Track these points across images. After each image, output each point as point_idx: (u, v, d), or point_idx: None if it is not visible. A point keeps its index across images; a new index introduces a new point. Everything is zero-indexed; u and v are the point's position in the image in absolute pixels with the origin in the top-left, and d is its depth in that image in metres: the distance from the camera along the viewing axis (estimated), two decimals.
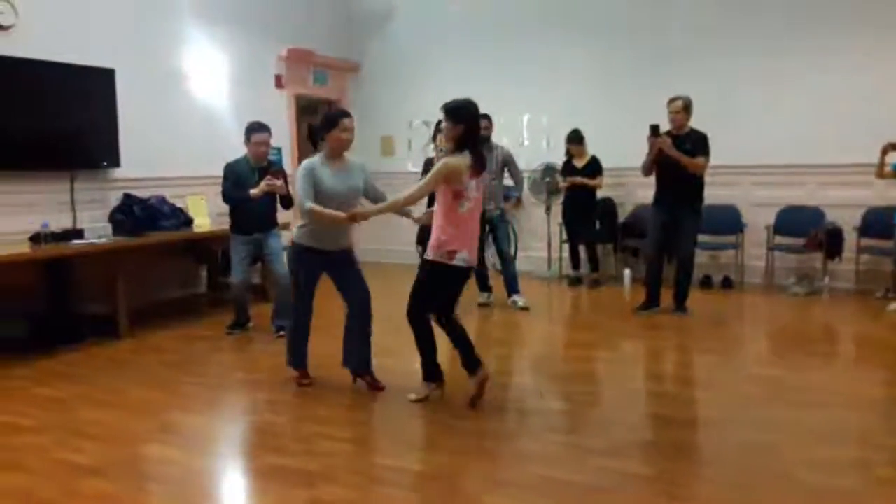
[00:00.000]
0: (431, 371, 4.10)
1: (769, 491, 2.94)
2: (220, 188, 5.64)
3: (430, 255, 3.89)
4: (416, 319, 4.02)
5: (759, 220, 7.34)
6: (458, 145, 3.84)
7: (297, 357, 4.47)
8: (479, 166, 3.84)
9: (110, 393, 4.39)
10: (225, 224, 5.86)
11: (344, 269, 4.32)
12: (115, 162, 6.28)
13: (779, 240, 7.24)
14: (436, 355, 4.07)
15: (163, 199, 6.50)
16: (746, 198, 7.46)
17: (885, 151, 6.06)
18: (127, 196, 6.29)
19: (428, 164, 6.21)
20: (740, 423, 3.69)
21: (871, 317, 6.06)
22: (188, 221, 6.61)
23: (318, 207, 4.03)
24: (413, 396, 4.08)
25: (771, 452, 3.29)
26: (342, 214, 3.99)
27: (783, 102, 7.20)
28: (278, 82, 8.41)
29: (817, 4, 7.04)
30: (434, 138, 6.31)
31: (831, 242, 6.86)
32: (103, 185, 6.32)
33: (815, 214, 7.07)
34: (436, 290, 3.96)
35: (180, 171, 6.87)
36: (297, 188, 4.11)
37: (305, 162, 4.18)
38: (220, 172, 5.65)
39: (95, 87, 6.10)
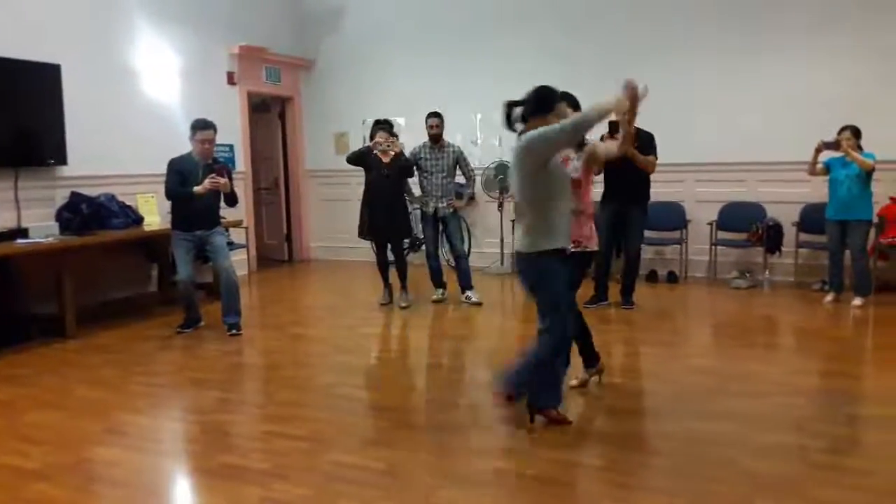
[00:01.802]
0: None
1: (714, 478, 3.05)
2: None
3: None
4: None
5: (702, 216, 7.56)
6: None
7: (554, 392, 3.68)
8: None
9: (56, 394, 4.32)
10: None
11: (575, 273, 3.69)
12: (62, 160, 6.15)
13: (721, 235, 7.46)
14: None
15: (112, 198, 6.39)
16: (690, 195, 7.66)
17: (818, 150, 6.24)
18: (74, 194, 6.17)
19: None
20: (686, 412, 3.81)
21: (808, 308, 6.30)
22: (138, 220, 6.52)
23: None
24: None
25: (715, 441, 3.42)
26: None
27: (726, 102, 7.40)
28: (230, 79, 8.32)
29: (755, 6, 7.26)
30: (372, 137, 6.38)
31: (771, 237, 7.11)
32: (50, 183, 6.18)
33: (756, 210, 7.31)
34: None
35: (130, 168, 6.77)
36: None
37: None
38: None
39: (41, 83, 5.95)
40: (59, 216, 6.04)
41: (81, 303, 5.84)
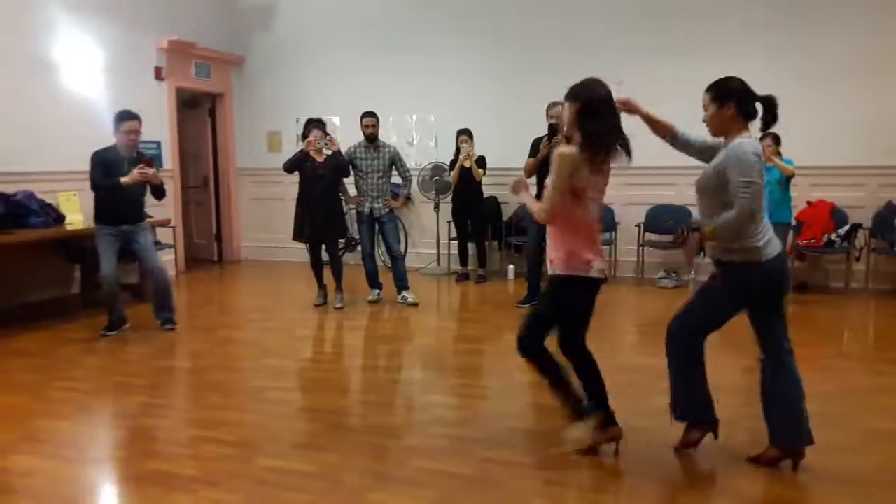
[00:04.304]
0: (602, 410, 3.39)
1: (644, 473, 3.14)
2: None
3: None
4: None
5: (630, 218, 7.75)
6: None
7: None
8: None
9: None
10: None
11: None
12: None
13: (649, 237, 7.67)
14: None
15: (30, 195, 6.12)
16: (619, 197, 7.79)
17: None
18: None
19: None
20: (616, 410, 3.88)
21: None
22: (59, 218, 6.27)
23: None
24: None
25: (645, 437, 3.52)
26: None
27: (656, 107, 7.56)
28: (158, 74, 8.09)
29: (682, 10, 7.49)
30: (305, 136, 6.30)
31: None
32: None
33: (682, 213, 7.53)
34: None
35: (51, 165, 6.51)
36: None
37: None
38: None
39: None
40: None
41: None
